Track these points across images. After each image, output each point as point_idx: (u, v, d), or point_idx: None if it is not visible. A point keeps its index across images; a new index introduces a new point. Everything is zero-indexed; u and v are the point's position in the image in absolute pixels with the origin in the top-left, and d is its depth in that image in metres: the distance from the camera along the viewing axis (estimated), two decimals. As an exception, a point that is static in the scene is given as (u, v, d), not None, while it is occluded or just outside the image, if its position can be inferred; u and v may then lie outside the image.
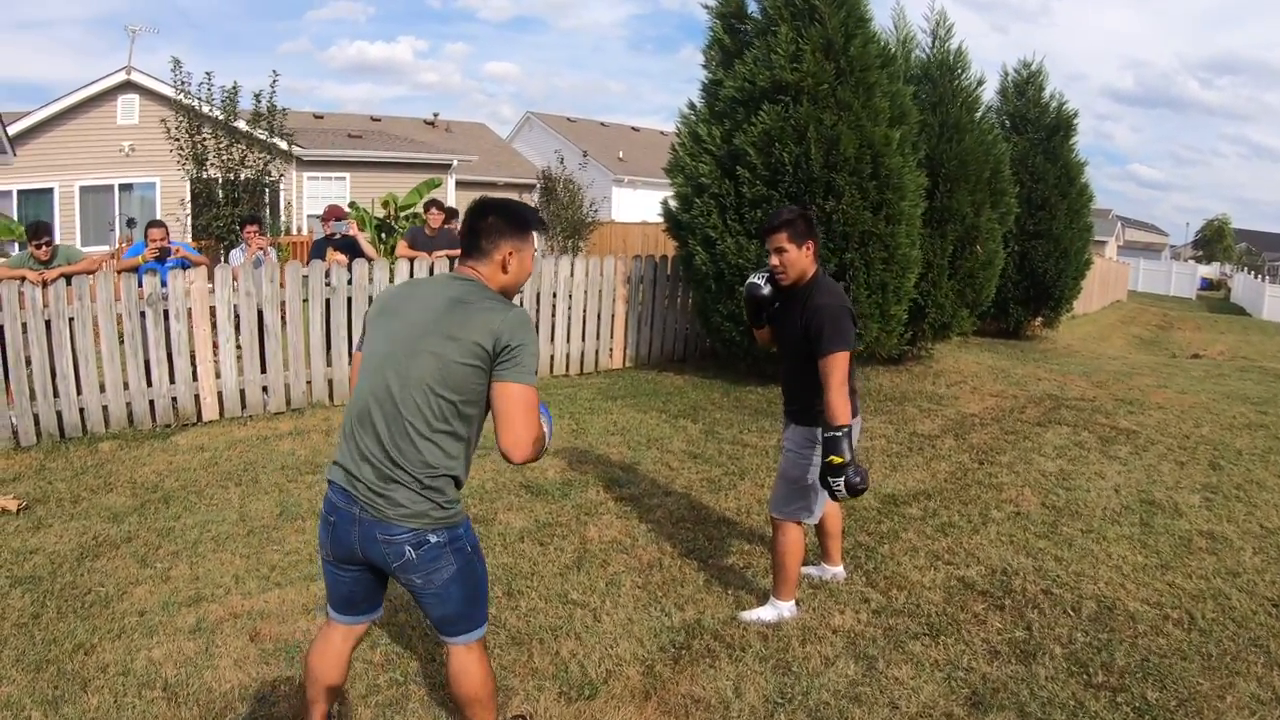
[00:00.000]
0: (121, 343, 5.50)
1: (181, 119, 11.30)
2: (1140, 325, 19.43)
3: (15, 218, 12.48)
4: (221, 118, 11.51)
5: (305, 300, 5.97)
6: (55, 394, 5.27)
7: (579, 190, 18.04)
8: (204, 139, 11.35)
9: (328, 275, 6.01)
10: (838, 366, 2.76)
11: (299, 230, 15.09)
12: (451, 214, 8.06)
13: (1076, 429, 5.89)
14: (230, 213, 11.07)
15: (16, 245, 5.64)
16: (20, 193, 14.19)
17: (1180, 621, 3.09)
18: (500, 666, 2.74)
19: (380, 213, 16.59)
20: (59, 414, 5.31)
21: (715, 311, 6.97)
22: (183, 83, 11.41)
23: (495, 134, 26.76)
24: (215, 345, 5.77)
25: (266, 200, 13.65)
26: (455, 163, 19.13)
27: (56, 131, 14.54)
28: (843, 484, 2.65)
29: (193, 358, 5.70)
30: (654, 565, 3.56)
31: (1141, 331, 18.40)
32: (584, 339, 7.45)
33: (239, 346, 5.87)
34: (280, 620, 3.09)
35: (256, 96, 11.83)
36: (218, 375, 5.80)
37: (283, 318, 5.96)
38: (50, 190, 14.53)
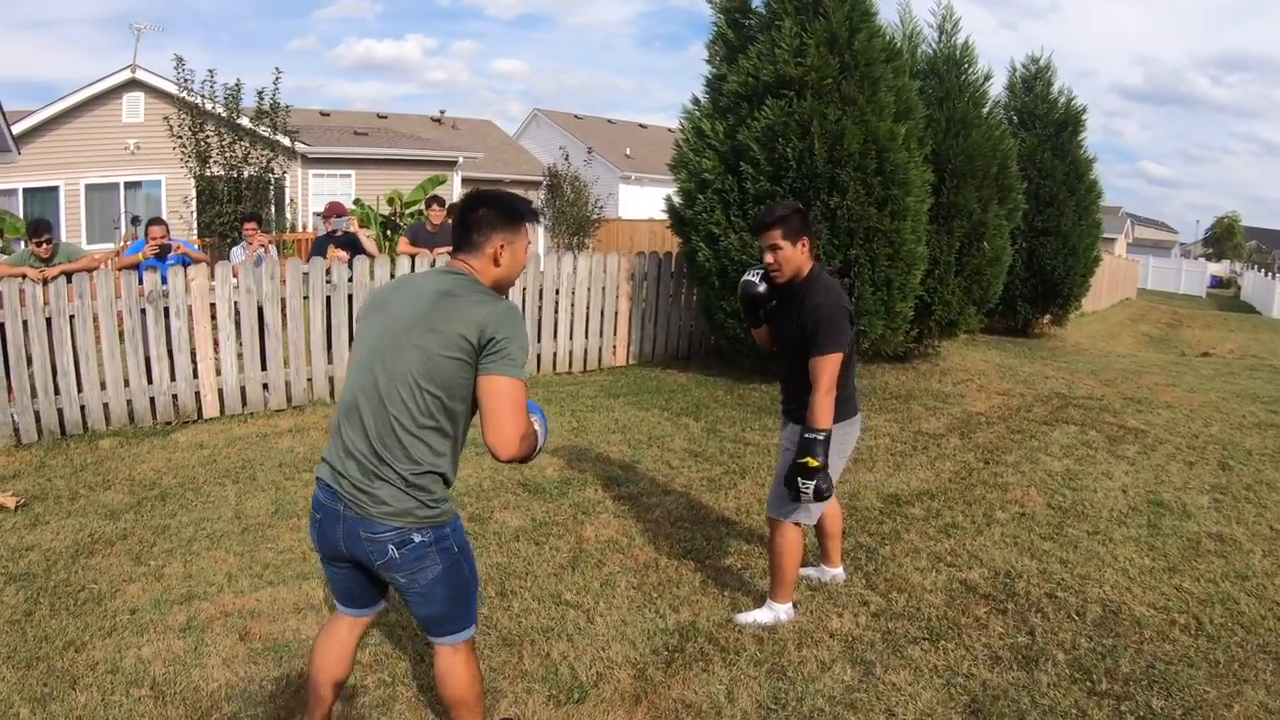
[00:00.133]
0: (122, 340, 5.49)
1: (184, 116, 11.30)
2: (1149, 323, 19.25)
3: (21, 216, 12.53)
4: (224, 115, 11.51)
5: (306, 297, 5.95)
6: (56, 391, 5.27)
7: (585, 187, 17.98)
8: (207, 136, 11.36)
9: (329, 272, 5.98)
10: (828, 369, 2.72)
11: (304, 227, 15.09)
12: (454, 210, 8.04)
13: (1084, 428, 5.81)
14: (233, 210, 11.08)
15: (23, 243, 5.66)
16: (26, 190, 14.23)
17: (1187, 627, 3.02)
18: (489, 668, 2.70)
19: (385, 210, 16.59)
20: (60, 411, 5.31)
21: (719, 308, 6.91)
22: (185, 80, 11.41)
23: (502, 131, 26.73)
24: (216, 342, 5.75)
25: (271, 198, 13.65)
26: (461, 160, 19.09)
27: (62, 129, 14.58)
28: (811, 489, 2.65)
29: (193, 355, 5.69)
30: (650, 566, 3.51)
31: (1151, 329, 18.23)
32: (587, 336, 7.40)
33: (240, 344, 5.86)
34: (271, 619, 3.06)
35: (260, 93, 11.85)
36: (218, 372, 5.79)
37: (284, 315, 5.94)
38: (56, 188, 14.57)
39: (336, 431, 2.01)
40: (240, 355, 5.84)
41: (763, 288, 2.93)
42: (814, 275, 2.89)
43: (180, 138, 11.31)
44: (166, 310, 5.53)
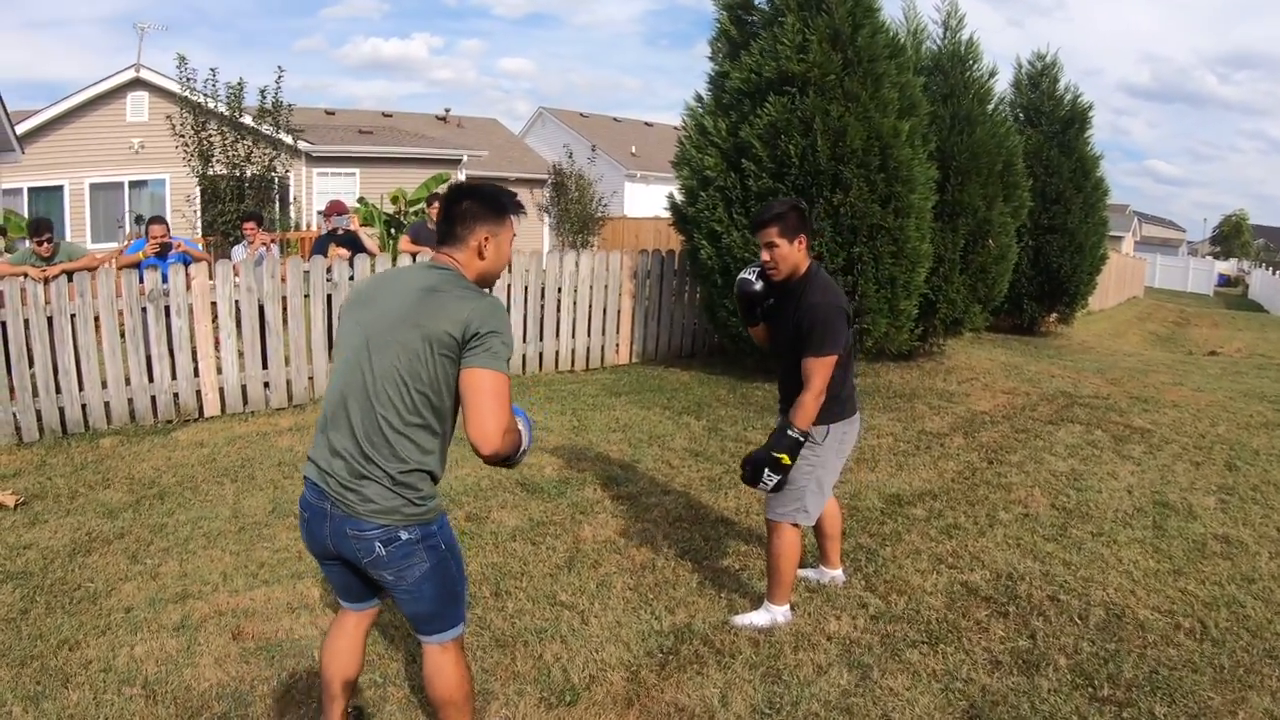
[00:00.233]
0: (123, 339, 5.49)
1: (187, 115, 11.31)
2: (1156, 322, 19.11)
3: (26, 215, 12.58)
4: (226, 113, 11.51)
5: (307, 296, 5.94)
6: (58, 390, 5.27)
7: (589, 185, 17.96)
8: (209, 135, 11.36)
9: (330, 270, 5.97)
10: (820, 371, 2.69)
11: (308, 226, 15.10)
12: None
13: (1089, 427, 5.75)
14: (235, 209, 11.09)
15: (28, 242, 5.69)
16: (31, 190, 14.29)
17: (1192, 631, 2.97)
18: (481, 669, 2.68)
19: (390, 208, 16.60)
20: (61, 410, 5.31)
21: (721, 306, 6.87)
22: (188, 79, 11.41)
23: (507, 129, 26.72)
24: (217, 341, 5.75)
25: (276, 196, 13.66)
26: (465, 158, 19.08)
27: (67, 129, 14.63)
28: (773, 484, 2.71)
29: (194, 353, 5.68)
30: (647, 566, 3.48)
31: (1158, 328, 18.10)
32: (589, 334, 7.37)
33: (241, 342, 5.85)
34: (264, 619, 3.05)
35: (262, 92, 11.84)
36: (219, 371, 5.78)
37: (285, 313, 5.93)
38: (60, 187, 14.63)
39: (323, 430, 1.99)
40: (241, 354, 5.83)
41: (759, 286, 2.89)
42: (812, 273, 2.85)
43: (183, 137, 11.32)
44: (167, 309, 5.52)
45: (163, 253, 6.01)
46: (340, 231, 6.68)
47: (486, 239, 2.00)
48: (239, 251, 6.72)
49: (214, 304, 5.69)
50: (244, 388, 5.86)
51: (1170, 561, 3.59)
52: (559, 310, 7.16)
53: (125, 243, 10.46)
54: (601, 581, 3.33)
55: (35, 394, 5.20)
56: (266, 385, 5.94)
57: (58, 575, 3.42)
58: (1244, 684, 2.64)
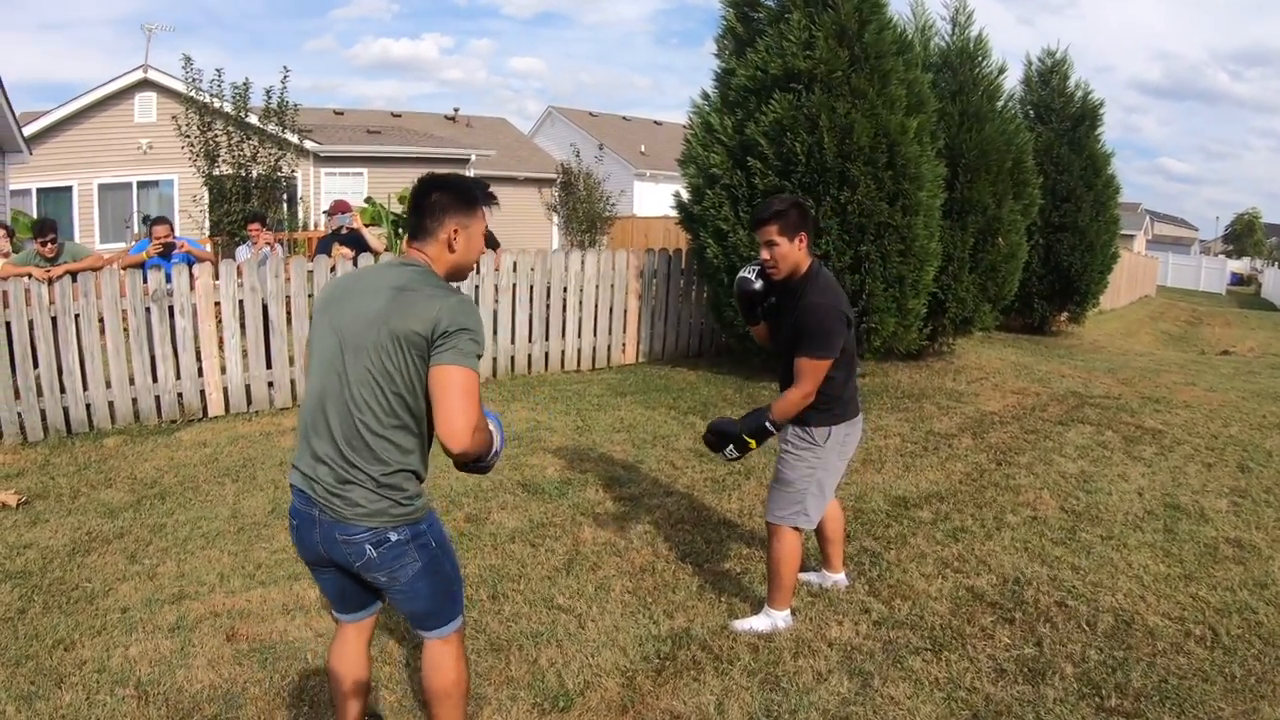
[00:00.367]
0: (127, 339, 5.49)
1: (192, 115, 11.33)
2: (1169, 321, 18.92)
3: (35, 216, 12.67)
4: (232, 113, 11.51)
5: (311, 295, 5.92)
6: (62, 390, 5.28)
7: (598, 184, 17.91)
8: (215, 136, 11.37)
9: (334, 270, 5.96)
10: (811, 372, 2.65)
11: (315, 226, 15.13)
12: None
13: (1100, 428, 5.66)
14: (241, 209, 11.10)
15: (33, 242, 5.72)
16: (40, 190, 14.38)
17: (1202, 638, 2.90)
18: (475, 674, 2.64)
19: (397, 208, 16.60)
20: (65, 410, 5.32)
21: (728, 305, 6.81)
22: (193, 80, 11.43)
23: (516, 129, 26.71)
24: (221, 341, 5.75)
25: (285, 197, 13.66)
26: (473, 157, 19.07)
27: (75, 130, 14.70)
28: (728, 457, 2.75)
29: (198, 353, 5.68)
30: (647, 569, 3.43)
31: (1170, 327, 17.91)
32: (595, 334, 7.34)
33: (244, 342, 5.84)
34: (259, 620, 3.03)
35: (268, 92, 11.83)
36: (223, 371, 5.78)
37: (288, 313, 5.92)
38: (69, 188, 14.71)
39: (304, 438, 1.97)
40: (245, 353, 5.83)
41: (759, 285, 2.84)
42: (813, 273, 2.79)
43: (188, 137, 11.34)
44: (171, 309, 5.52)
45: (166, 253, 6.02)
46: (344, 230, 6.67)
47: (456, 231, 1.96)
48: (243, 252, 6.73)
49: (218, 304, 5.68)
50: (248, 387, 5.86)
51: (1181, 566, 3.51)
52: (565, 310, 7.12)
53: (132, 243, 10.50)
54: (600, 584, 3.29)
55: (40, 394, 5.21)
56: (270, 385, 5.93)
57: (56, 575, 3.42)
58: (1256, 694, 2.57)
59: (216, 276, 5.67)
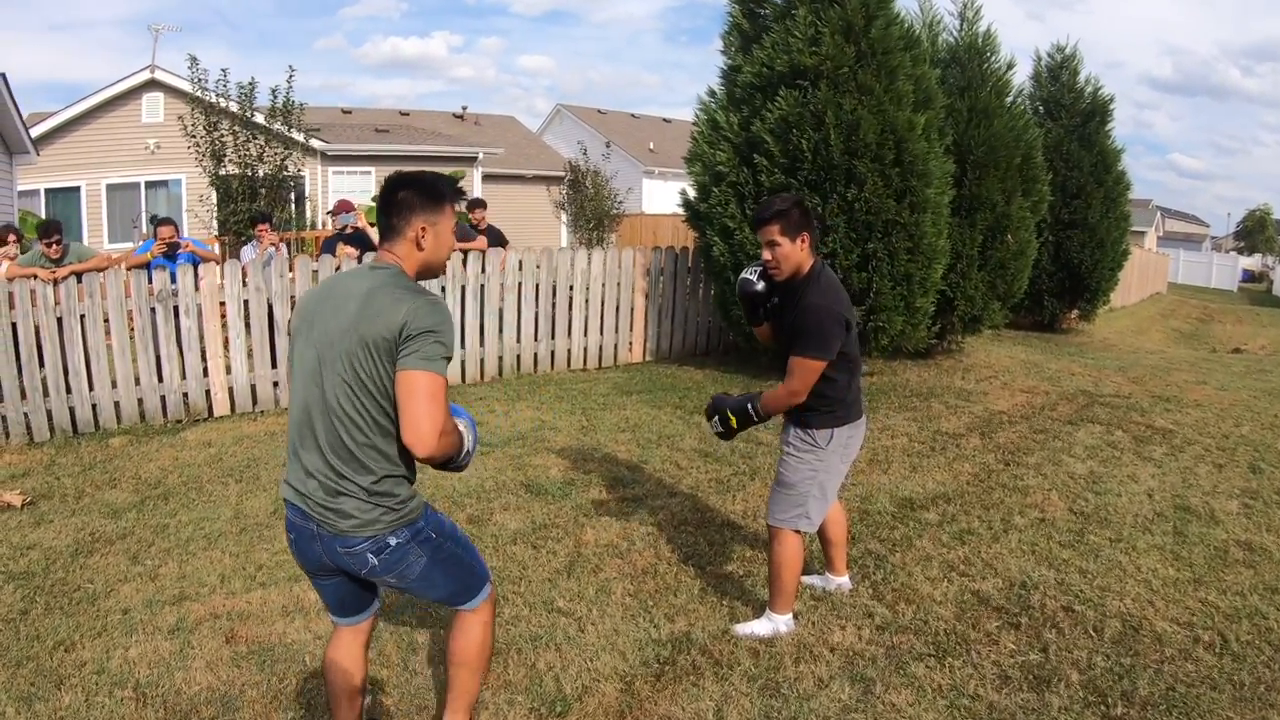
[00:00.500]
0: (133, 339, 5.51)
1: (198, 115, 11.36)
2: (1180, 318, 18.74)
3: (43, 216, 12.75)
4: (237, 112, 11.53)
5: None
6: (68, 390, 5.30)
7: (606, 182, 17.88)
8: (221, 135, 11.39)
9: (339, 269, 5.95)
10: (802, 372, 2.63)
11: (323, 225, 15.16)
12: (475, 204, 7.97)
13: (1110, 428, 5.60)
14: (248, 208, 11.11)
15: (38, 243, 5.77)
16: (48, 191, 14.47)
17: (1211, 645, 2.85)
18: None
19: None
20: (71, 410, 5.34)
21: (735, 304, 6.77)
22: (199, 79, 11.45)
23: (524, 127, 26.70)
24: (226, 340, 5.75)
25: (292, 196, 13.67)
26: (481, 155, 19.07)
27: (83, 130, 14.78)
28: (714, 429, 2.88)
29: (204, 353, 5.69)
30: (648, 571, 3.41)
31: (1181, 325, 17.74)
32: (602, 332, 7.31)
33: (250, 342, 5.85)
34: (259, 622, 3.02)
35: (274, 92, 11.84)
36: (229, 370, 5.79)
37: (293, 312, 5.92)
38: (77, 188, 14.80)
39: (294, 453, 1.96)
40: (250, 353, 5.84)
41: (760, 285, 2.81)
42: (815, 273, 2.75)
43: (194, 137, 11.37)
44: (176, 309, 5.53)
45: (171, 253, 6.03)
46: (348, 229, 6.67)
47: (424, 229, 1.93)
48: (248, 252, 6.73)
49: (223, 304, 5.69)
50: (253, 387, 5.87)
51: (1191, 570, 3.46)
52: (571, 308, 7.10)
53: (140, 242, 10.55)
54: (601, 587, 3.26)
55: (46, 394, 5.23)
56: (275, 385, 5.94)
57: (59, 576, 3.42)
58: (1265, 702, 2.52)
59: (221, 276, 5.68)
